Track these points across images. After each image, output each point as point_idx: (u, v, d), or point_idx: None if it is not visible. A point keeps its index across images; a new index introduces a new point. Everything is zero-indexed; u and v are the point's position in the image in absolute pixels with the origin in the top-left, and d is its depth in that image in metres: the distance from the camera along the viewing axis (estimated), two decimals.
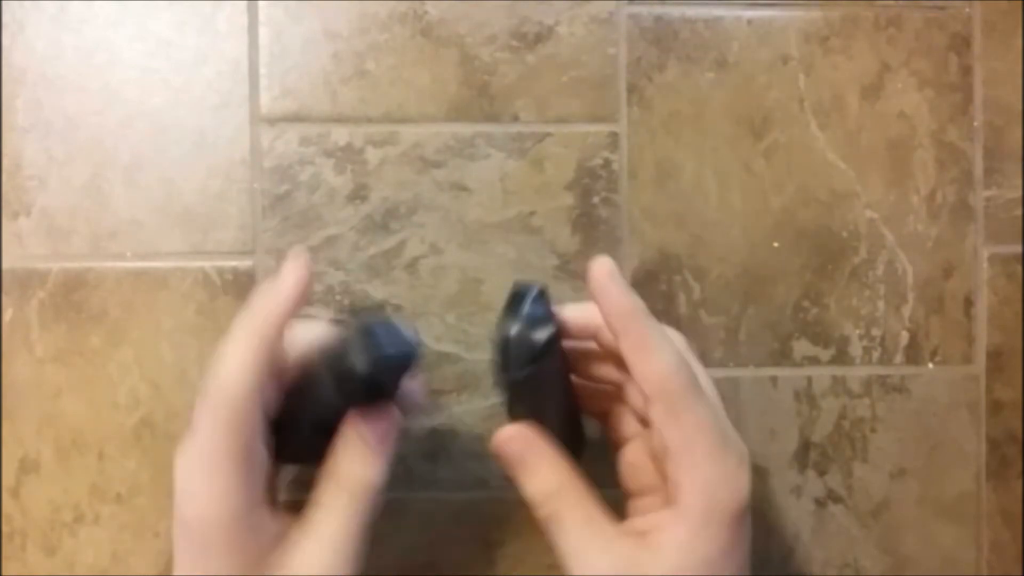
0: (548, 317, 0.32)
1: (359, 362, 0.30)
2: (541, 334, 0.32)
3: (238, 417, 0.29)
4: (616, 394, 0.35)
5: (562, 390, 0.35)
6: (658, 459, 0.33)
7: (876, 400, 0.43)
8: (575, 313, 0.34)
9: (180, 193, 0.41)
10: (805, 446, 0.43)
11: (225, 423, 0.29)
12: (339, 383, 0.31)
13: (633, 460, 0.35)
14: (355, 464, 0.32)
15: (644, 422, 0.34)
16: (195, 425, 0.30)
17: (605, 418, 0.37)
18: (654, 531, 0.31)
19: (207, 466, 0.29)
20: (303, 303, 0.31)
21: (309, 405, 0.33)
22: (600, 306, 0.32)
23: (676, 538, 0.30)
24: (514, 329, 0.32)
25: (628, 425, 0.35)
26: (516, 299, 0.32)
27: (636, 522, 0.33)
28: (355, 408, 0.32)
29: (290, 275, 0.31)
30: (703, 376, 0.33)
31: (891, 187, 0.43)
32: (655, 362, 0.31)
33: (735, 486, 0.30)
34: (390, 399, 0.33)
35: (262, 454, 0.31)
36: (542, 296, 0.33)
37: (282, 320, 0.31)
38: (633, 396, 0.34)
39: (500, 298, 0.42)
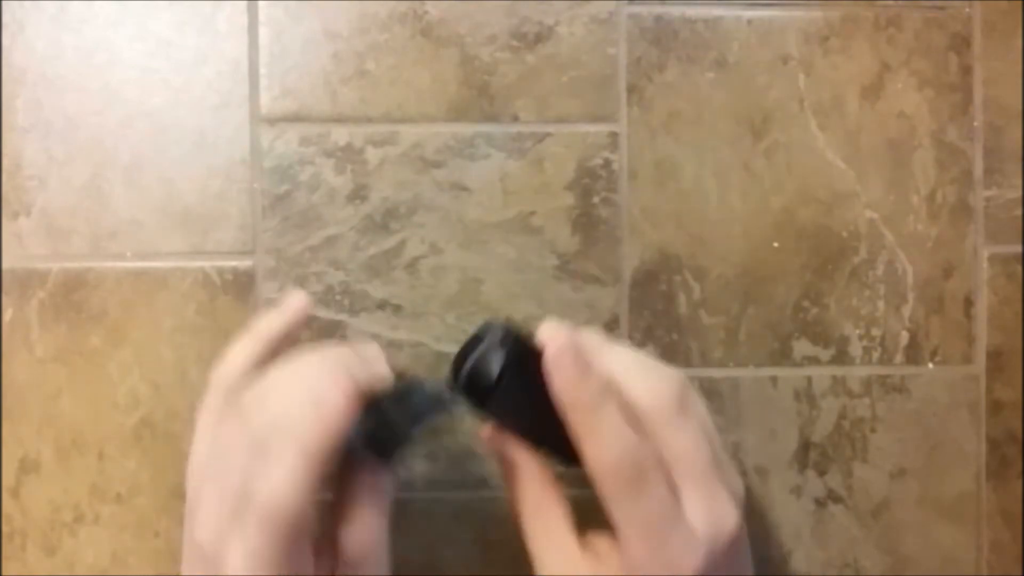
0: (502, 353, 0.32)
1: (400, 420, 0.31)
2: (493, 368, 0.32)
3: (295, 532, 0.29)
4: None
5: (536, 406, 0.33)
6: None
7: (876, 400, 0.43)
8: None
9: (180, 193, 0.41)
10: (805, 446, 0.43)
11: (283, 539, 0.29)
12: (374, 442, 0.32)
13: None
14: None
15: None
16: (248, 528, 0.29)
17: None
18: (604, 562, 0.32)
19: (267, 570, 0.29)
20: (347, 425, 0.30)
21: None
22: (551, 384, 0.31)
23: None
24: (463, 369, 0.32)
25: None
26: (474, 339, 0.33)
27: (604, 542, 0.33)
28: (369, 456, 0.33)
29: (337, 390, 0.30)
30: (677, 438, 0.32)
31: (891, 187, 0.43)
32: (596, 455, 0.31)
33: (670, 573, 0.30)
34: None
35: (308, 539, 0.31)
36: (504, 336, 0.32)
37: (334, 448, 0.30)
38: None
39: (500, 298, 0.42)
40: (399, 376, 0.33)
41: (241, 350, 0.34)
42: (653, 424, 0.31)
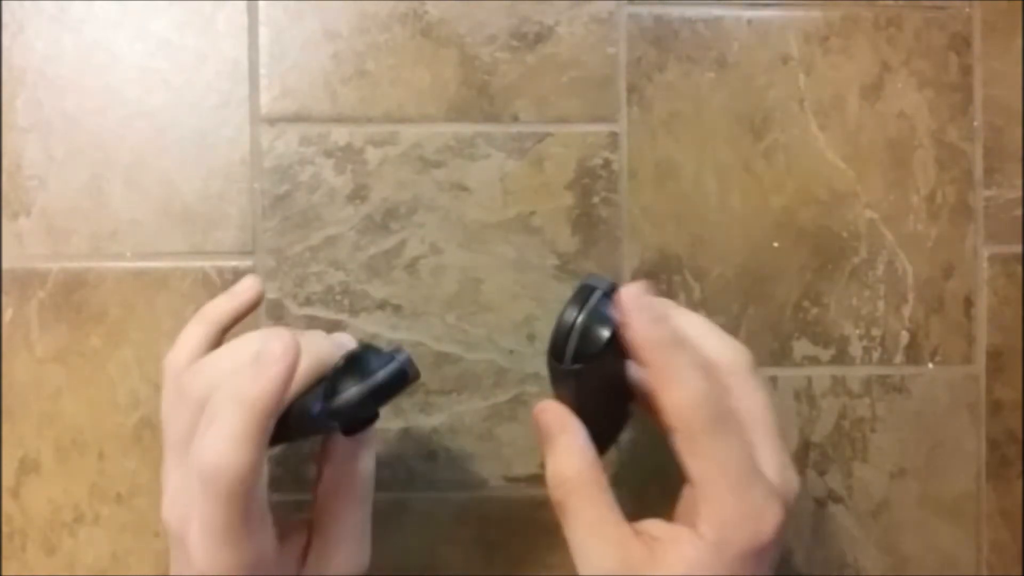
0: (610, 317, 0.31)
1: (351, 393, 0.30)
2: (602, 333, 0.31)
3: (244, 498, 0.29)
4: None
5: (609, 390, 0.34)
6: None
7: (876, 400, 0.43)
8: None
9: (180, 193, 0.41)
10: (805, 446, 0.43)
11: (232, 507, 0.29)
12: (334, 415, 0.31)
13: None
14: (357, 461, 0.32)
15: None
16: (197, 499, 0.29)
17: (651, 399, 0.36)
18: (667, 541, 0.30)
19: (224, 541, 0.29)
20: (291, 380, 0.30)
21: (294, 422, 0.32)
22: (627, 335, 0.31)
23: (683, 557, 0.29)
24: (578, 320, 0.31)
25: None
26: (584, 291, 0.32)
27: (656, 526, 0.32)
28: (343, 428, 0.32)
29: (277, 343, 0.29)
30: (750, 395, 0.31)
31: (891, 187, 0.43)
32: (676, 395, 0.30)
33: (755, 526, 0.29)
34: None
35: (265, 510, 0.31)
36: (609, 294, 0.32)
37: (277, 403, 0.29)
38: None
39: (500, 298, 0.42)
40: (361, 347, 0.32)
41: (190, 334, 0.34)
42: (729, 379, 0.31)
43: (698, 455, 0.30)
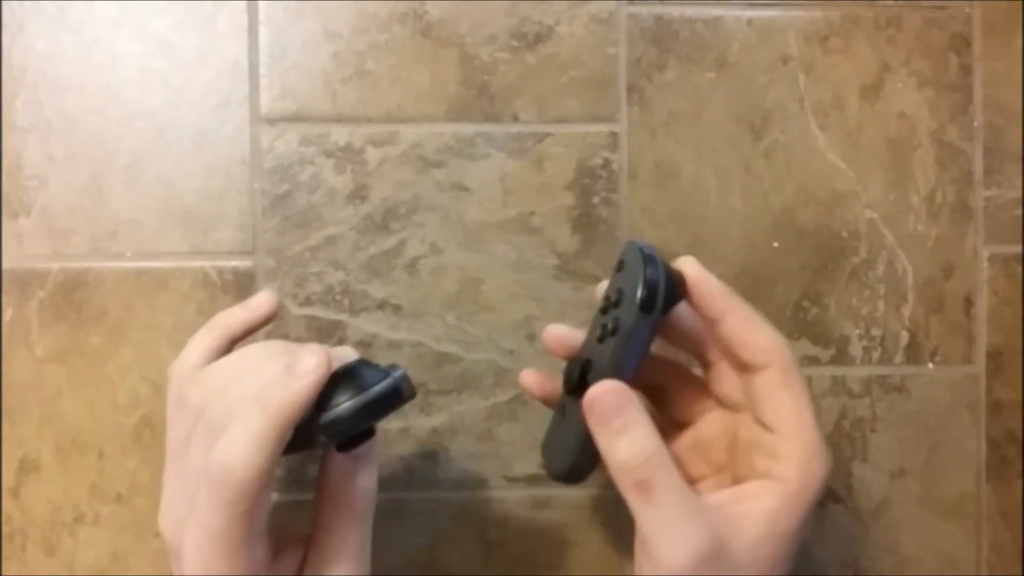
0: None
1: (342, 407, 0.30)
2: (677, 286, 0.33)
3: (248, 504, 0.29)
4: (677, 371, 0.36)
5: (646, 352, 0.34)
6: (738, 436, 0.33)
7: (876, 400, 0.43)
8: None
9: (180, 193, 0.41)
10: None
11: (235, 512, 0.28)
12: (326, 428, 0.30)
13: (705, 438, 0.35)
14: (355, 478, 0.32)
15: (723, 402, 0.34)
16: (199, 502, 0.29)
17: (660, 393, 0.36)
18: (739, 502, 0.31)
19: (222, 550, 0.29)
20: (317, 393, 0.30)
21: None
22: (699, 293, 0.33)
23: (766, 508, 0.31)
24: (662, 273, 0.32)
25: (696, 403, 0.35)
26: (641, 250, 0.32)
27: (717, 493, 0.32)
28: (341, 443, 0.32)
29: (313, 363, 0.30)
30: None
31: (891, 187, 0.43)
32: (766, 333, 0.32)
33: (826, 460, 0.31)
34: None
35: (265, 525, 0.31)
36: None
37: (300, 413, 0.29)
38: (720, 375, 0.34)
39: (500, 298, 0.42)
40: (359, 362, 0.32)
41: (198, 342, 0.34)
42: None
43: (790, 390, 0.32)
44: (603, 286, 0.35)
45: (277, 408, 0.28)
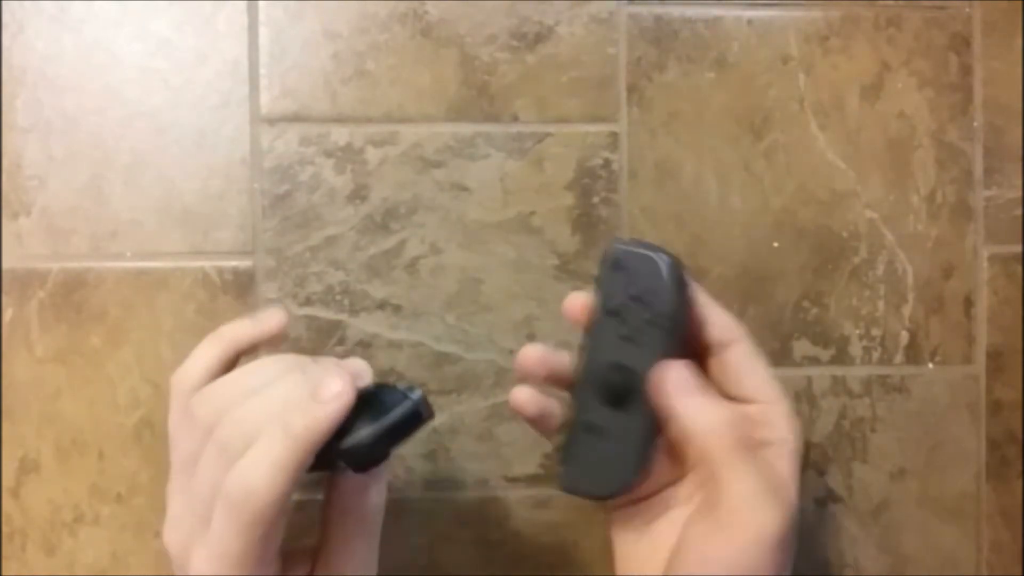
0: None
1: (363, 435, 0.30)
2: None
3: (266, 528, 0.28)
4: None
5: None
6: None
7: (876, 400, 0.43)
8: None
9: (180, 193, 0.41)
10: (805, 446, 0.43)
11: (253, 536, 0.28)
12: (346, 455, 0.30)
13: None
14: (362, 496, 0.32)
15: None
16: (215, 523, 0.29)
17: None
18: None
19: (235, 572, 0.29)
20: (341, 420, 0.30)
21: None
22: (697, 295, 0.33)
23: (791, 471, 0.33)
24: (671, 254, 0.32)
25: None
26: (645, 244, 0.33)
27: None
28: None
29: (337, 380, 0.30)
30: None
31: (891, 187, 0.43)
32: (725, 312, 0.34)
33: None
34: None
35: (279, 544, 0.31)
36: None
37: (323, 439, 0.29)
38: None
39: (500, 298, 0.42)
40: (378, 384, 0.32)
41: (203, 353, 0.33)
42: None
43: (759, 358, 0.34)
44: (581, 298, 0.34)
45: (301, 434, 0.28)
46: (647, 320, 0.32)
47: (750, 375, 0.33)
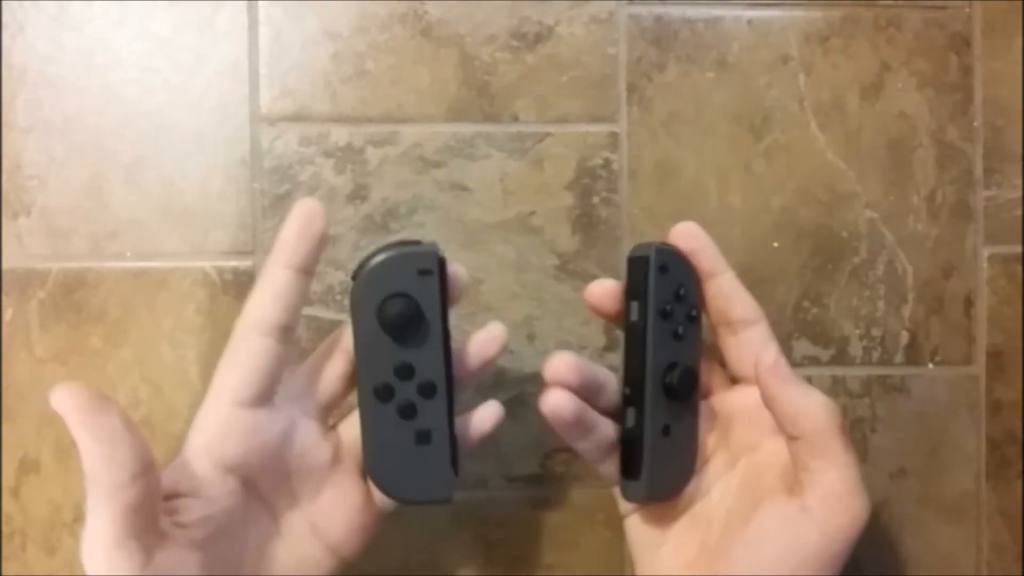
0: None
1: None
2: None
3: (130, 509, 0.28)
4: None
5: None
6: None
7: (876, 400, 0.43)
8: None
9: (180, 193, 0.41)
10: None
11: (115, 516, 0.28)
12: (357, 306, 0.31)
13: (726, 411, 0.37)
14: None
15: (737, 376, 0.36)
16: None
17: None
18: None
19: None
20: None
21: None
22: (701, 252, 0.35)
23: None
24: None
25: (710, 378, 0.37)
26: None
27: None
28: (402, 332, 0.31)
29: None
30: None
31: (891, 187, 0.43)
32: (748, 295, 0.35)
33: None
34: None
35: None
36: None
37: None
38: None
39: (500, 298, 0.42)
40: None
41: (274, 288, 0.32)
42: None
43: (773, 339, 0.35)
44: (607, 285, 0.35)
45: None
46: (688, 316, 0.34)
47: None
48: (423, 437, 0.32)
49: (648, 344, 0.33)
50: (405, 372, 0.31)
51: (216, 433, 0.31)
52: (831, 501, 0.31)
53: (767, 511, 0.32)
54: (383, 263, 0.31)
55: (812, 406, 0.32)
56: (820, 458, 0.31)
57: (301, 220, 0.32)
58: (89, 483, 0.28)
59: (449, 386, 0.33)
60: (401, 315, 0.30)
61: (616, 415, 0.35)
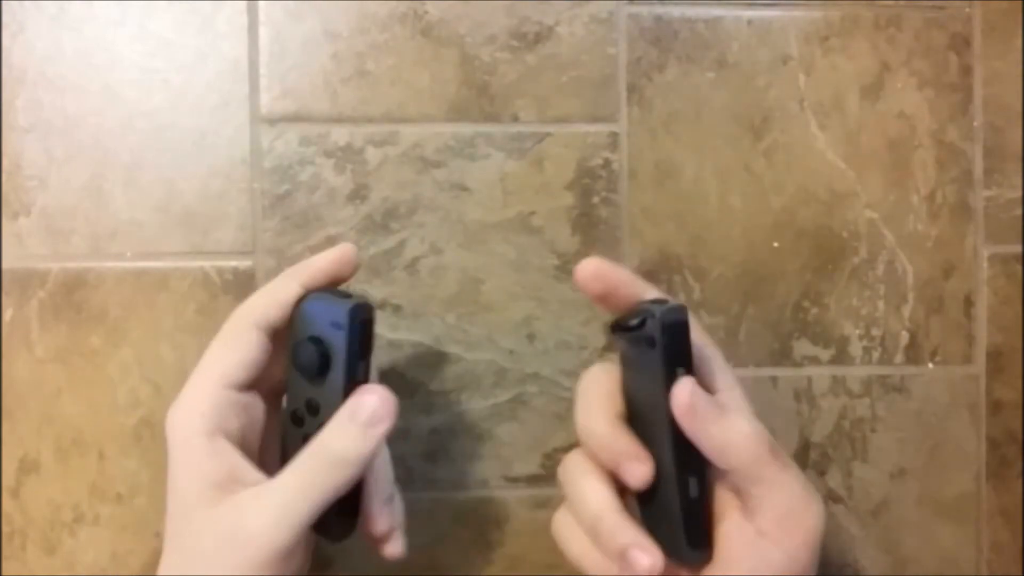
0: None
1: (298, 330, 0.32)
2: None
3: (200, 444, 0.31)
4: None
5: None
6: None
7: (876, 400, 0.43)
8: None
9: (180, 193, 0.41)
10: (805, 446, 0.43)
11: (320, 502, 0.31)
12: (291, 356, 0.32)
13: None
14: (335, 437, 0.32)
15: None
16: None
17: None
18: None
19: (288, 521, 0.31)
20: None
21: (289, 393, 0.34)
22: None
23: None
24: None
25: None
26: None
27: None
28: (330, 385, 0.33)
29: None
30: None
31: (891, 187, 0.43)
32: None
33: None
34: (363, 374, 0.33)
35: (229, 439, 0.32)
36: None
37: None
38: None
39: (500, 298, 0.42)
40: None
41: (281, 288, 0.34)
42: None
43: (720, 379, 0.34)
44: (594, 263, 0.34)
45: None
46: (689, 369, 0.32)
47: (722, 373, 0.33)
48: None
49: (665, 413, 0.32)
50: (312, 408, 0.33)
51: (210, 406, 0.32)
52: (783, 522, 0.31)
53: (727, 535, 0.32)
54: (304, 309, 0.33)
55: (734, 440, 0.31)
56: (758, 485, 0.31)
57: (338, 256, 0.34)
58: None
59: None
60: (307, 360, 0.32)
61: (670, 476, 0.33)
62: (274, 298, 0.33)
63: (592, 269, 0.33)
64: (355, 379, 0.32)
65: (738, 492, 0.32)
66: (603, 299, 0.34)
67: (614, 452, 0.32)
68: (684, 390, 0.31)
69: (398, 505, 0.36)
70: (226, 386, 0.33)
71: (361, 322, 0.32)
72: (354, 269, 0.34)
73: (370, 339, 0.33)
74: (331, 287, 0.34)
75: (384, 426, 0.31)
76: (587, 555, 0.33)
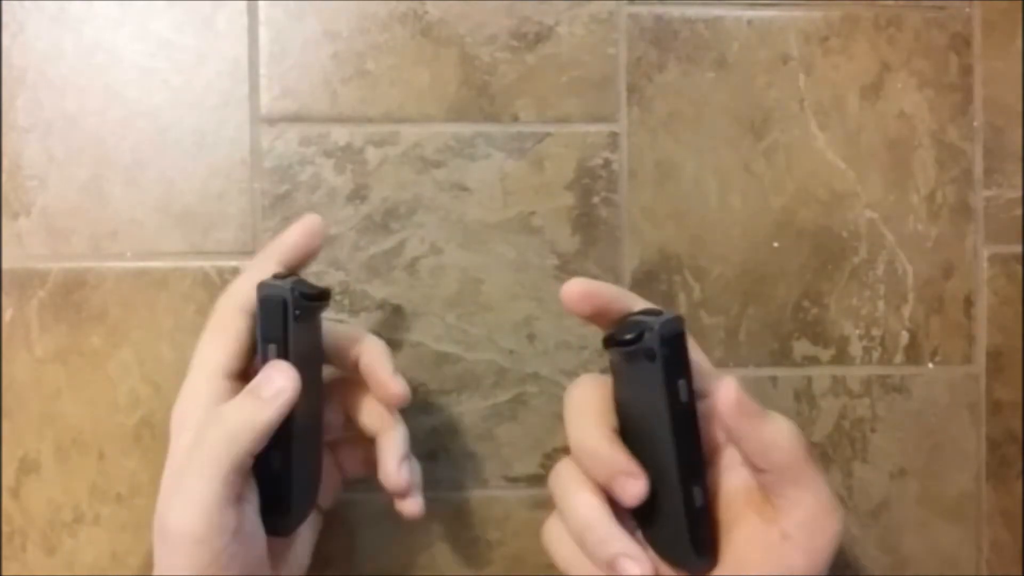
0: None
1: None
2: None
3: (235, 472, 0.31)
4: None
5: None
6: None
7: (876, 400, 0.43)
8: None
9: (180, 193, 0.41)
10: None
11: (221, 478, 0.30)
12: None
13: None
14: (241, 410, 0.32)
15: None
16: (193, 461, 0.31)
17: None
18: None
19: (194, 506, 0.30)
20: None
21: None
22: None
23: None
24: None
25: None
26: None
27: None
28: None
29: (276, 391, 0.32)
30: None
31: (891, 187, 0.43)
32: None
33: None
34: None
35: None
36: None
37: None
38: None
39: (500, 298, 0.42)
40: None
41: (260, 270, 0.34)
42: None
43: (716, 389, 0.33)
44: (580, 285, 0.34)
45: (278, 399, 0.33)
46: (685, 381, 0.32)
47: (713, 377, 0.34)
48: (275, 467, 0.33)
49: (674, 429, 0.32)
50: None
51: (210, 399, 0.33)
52: (810, 525, 0.31)
53: (745, 539, 0.32)
54: (260, 300, 0.33)
55: (781, 439, 0.31)
56: (794, 486, 0.31)
57: (305, 229, 0.35)
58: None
59: (300, 427, 0.34)
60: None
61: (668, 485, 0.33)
62: (255, 281, 0.34)
63: (579, 291, 0.33)
64: (265, 361, 0.33)
65: (768, 493, 0.32)
66: (594, 318, 0.34)
67: (609, 468, 0.32)
68: (731, 389, 0.31)
69: (415, 466, 0.36)
70: (224, 376, 0.33)
71: (263, 306, 0.33)
72: (322, 239, 0.36)
73: (279, 320, 0.33)
74: (303, 264, 0.36)
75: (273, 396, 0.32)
76: (577, 563, 0.33)
